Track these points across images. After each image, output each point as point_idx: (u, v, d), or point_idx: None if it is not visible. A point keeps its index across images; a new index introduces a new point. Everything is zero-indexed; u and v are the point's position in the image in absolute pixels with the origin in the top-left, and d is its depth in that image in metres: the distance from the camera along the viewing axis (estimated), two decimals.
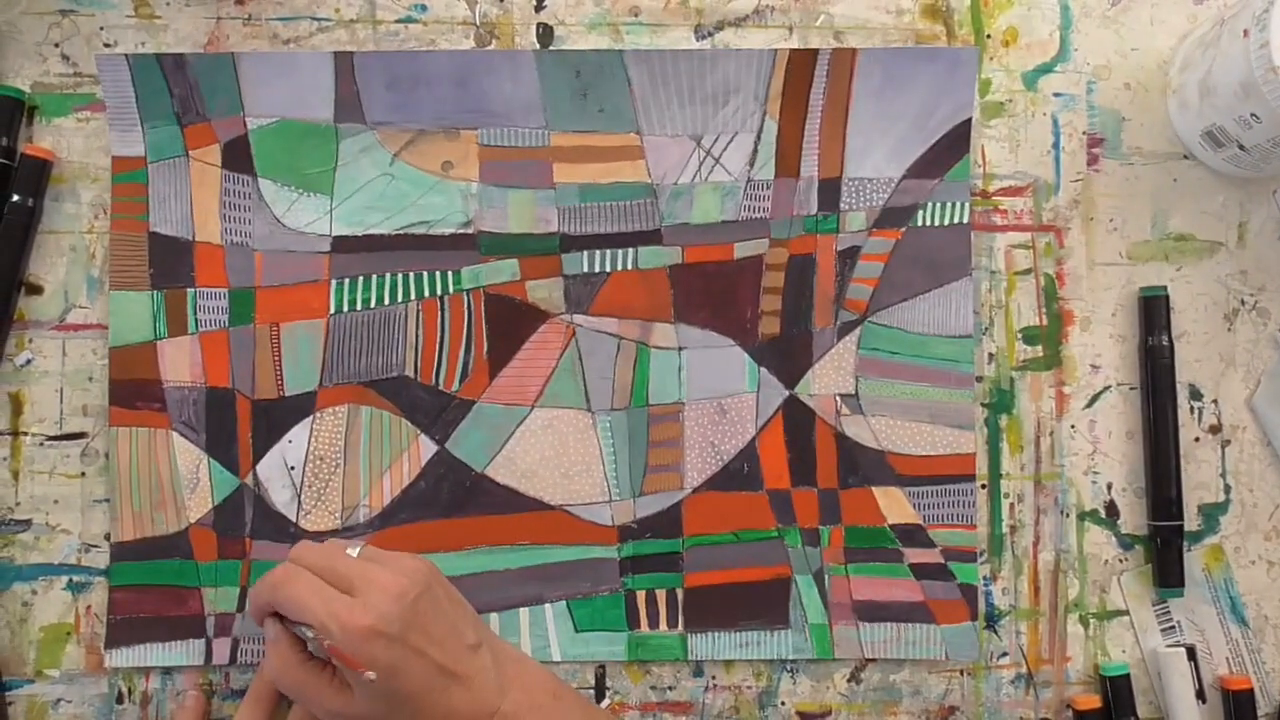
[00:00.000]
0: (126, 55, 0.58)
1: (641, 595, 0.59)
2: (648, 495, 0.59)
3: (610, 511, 0.59)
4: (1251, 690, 0.59)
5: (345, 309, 0.59)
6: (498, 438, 0.59)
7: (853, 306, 0.59)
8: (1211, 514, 0.60)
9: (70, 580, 0.58)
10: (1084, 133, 0.61)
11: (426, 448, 0.58)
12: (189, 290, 0.58)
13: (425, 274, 0.59)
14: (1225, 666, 0.60)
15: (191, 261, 0.58)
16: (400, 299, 0.59)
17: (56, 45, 0.59)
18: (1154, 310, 0.59)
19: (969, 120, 0.59)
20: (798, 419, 0.59)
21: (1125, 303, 0.60)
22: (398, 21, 0.60)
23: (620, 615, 0.58)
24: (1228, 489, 0.60)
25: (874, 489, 0.59)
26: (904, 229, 0.59)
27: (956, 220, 0.59)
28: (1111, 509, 0.60)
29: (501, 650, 0.53)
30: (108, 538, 0.58)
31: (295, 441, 0.58)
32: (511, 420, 0.59)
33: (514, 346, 0.59)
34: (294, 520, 0.58)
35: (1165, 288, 0.60)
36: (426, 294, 0.59)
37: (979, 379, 0.60)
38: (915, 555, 0.59)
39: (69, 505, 0.58)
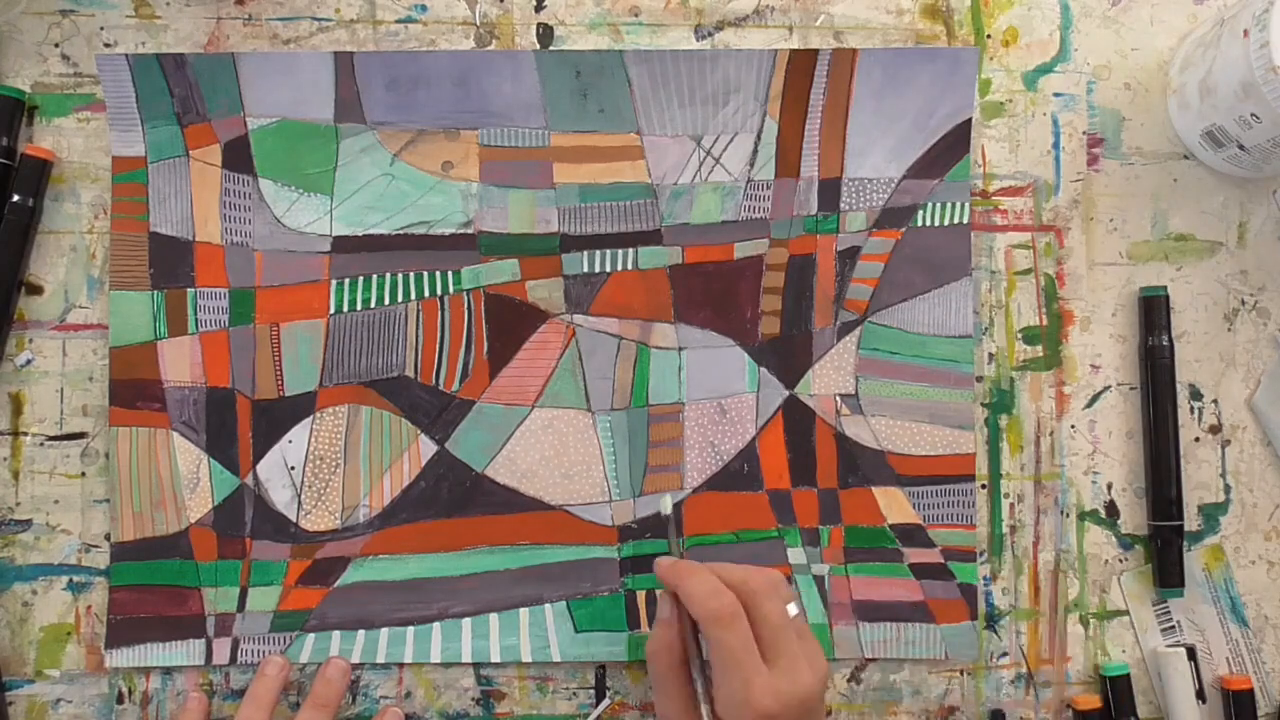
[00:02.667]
0: (127, 55, 0.58)
1: (642, 595, 0.58)
2: (648, 495, 0.59)
3: (610, 511, 0.59)
4: (1251, 690, 0.59)
5: (345, 309, 0.59)
6: (498, 438, 0.59)
7: (853, 306, 0.59)
8: (1211, 514, 0.60)
9: (70, 580, 0.58)
10: (1084, 133, 0.61)
11: (427, 448, 0.58)
12: (189, 290, 0.58)
13: (425, 274, 0.59)
14: (1225, 666, 0.60)
15: (192, 261, 0.58)
16: (400, 299, 0.59)
17: (56, 45, 0.59)
18: (1154, 310, 0.59)
19: (969, 120, 0.59)
20: (798, 419, 0.59)
21: (1125, 303, 0.60)
22: (398, 22, 0.60)
23: (621, 615, 0.58)
24: (1228, 489, 0.60)
25: (874, 489, 0.59)
26: (904, 229, 0.59)
27: (956, 220, 0.59)
28: (1111, 509, 0.60)
29: None
30: (108, 538, 0.58)
31: (295, 441, 0.58)
32: (512, 420, 0.59)
33: (514, 346, 0.59)
34: (294, 520, 0.58)
35: (1165, 288, 0.60)
36: (426, 294, 0.59)
37: (979, 379, 0.60)
38: (915, 555, 0.59)
39: (69, 505, 0.58)
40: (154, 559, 0.58)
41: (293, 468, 0.58)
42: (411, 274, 0.59)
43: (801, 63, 0.59)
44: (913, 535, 0.59)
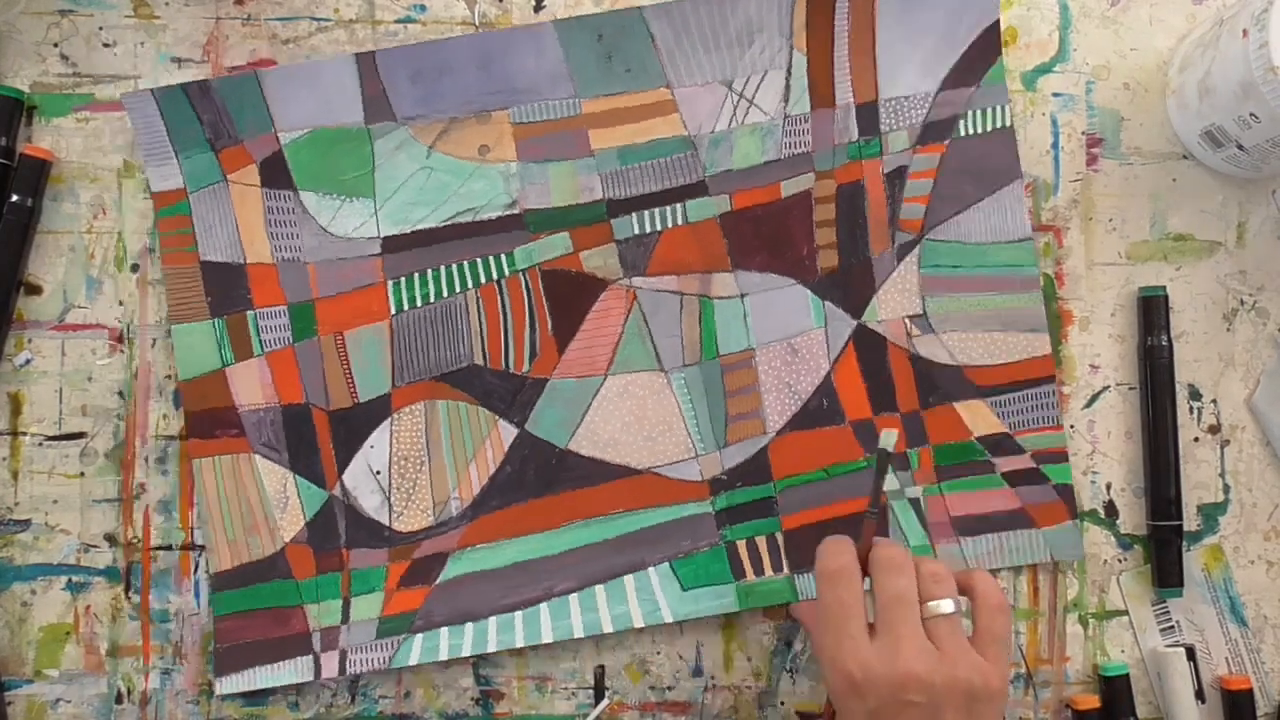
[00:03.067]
0: (152, 90, 0.58)
1: (742, 544, 0.58)
2: (733, 445, 0.58)
3: (698, 467, 0.59)
4: (1251, 690, 0.59)
5: (405, 307, 0.58)
6: (576, 411, 0.58)
7: (908, 227, 0.59)
8: (1211, 514, 0.60)
9: (70, 580, 0.58)
10: (1083, 133, 0.61)
11: (507, 432, 0.58)
12: (249, 313, 0.58)
13: (479, 260, 0.58)
14: (1225, 666, 0.60)
15: (246, 284, 0.58)
16: (458, 289, 0.58)
17: (56, 45, 0.59)
18: (1153, 310, 0.59)
19: (997, 23, 0.59)
20: (870, 347, 0.59)
21: (1124, 303, 0.60)
22: (397, 21, 0.60)
23: (724, 568, 0.58)
24: (1227, 489, 0.60)
25: (956, 405, 0.59)
26: (947, 141, 0.59)
27: (999, 125, 0.59)
28: (1111, 509, 0.60)
29: None
30: (108, 538, 0.58)
31: (377, 446, 0.58)
32: (587, 392, 0.59)
33: (577, 319, 0.59)
34: (387, 524, 0.58)
35: (1164, 288, 0.60)
36: (483, 280, 0.58)
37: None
38: (1006, 464, 0.59)
39: (68, 505, 0.58)
40: (254, 583, 0.58)
41: (378, 472, 0.58)
42: (465, 262, 0.58)
43: None
44: (1001, 444, 0.59)
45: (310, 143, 0.58)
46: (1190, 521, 0.60)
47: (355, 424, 0.58)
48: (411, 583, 0.58)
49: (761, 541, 0.58)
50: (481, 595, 0.58)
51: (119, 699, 0.58)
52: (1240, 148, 0.56)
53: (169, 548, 0.59)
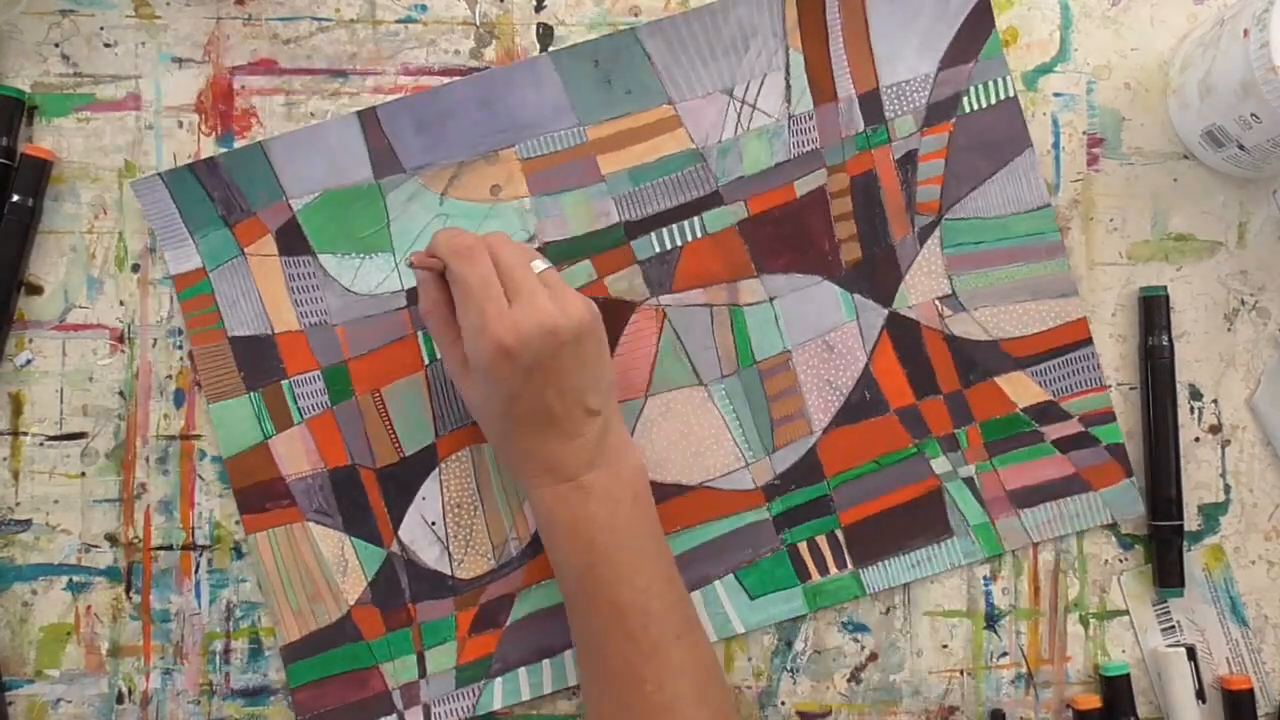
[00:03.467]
0: (160, 174, 0.58)
1: (804, 546, 0.59)
2: (781, 449, 0.59)
3: (750, 475, 0.59)
4: (1251, 690, 0.59)
5: (439, 356, 0.58)
6: None
7: (926, 209, 0.59)
8: (1211, 514, 0.60)
9: (70, 580, 0.58)
10: (1084, 133, 0.61)
11: None
12: (283, 382, 0.58)
13: None
14: (1225, 666, 0.60)
15: (277, 354, 0.58)
16: None
17: (56, 45, 0.59)
18: (1154, 310, 0.59)
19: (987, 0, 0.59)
20: (904, 333, 0.59)
21: (1125, 303, 0.60)
22: (398, 22, 0.60)
23: (789, 572, 0.58)
24: (1228, 489, 0.60)
25: (997, 379, 0.59)
26: (953, 120, 0.59)
27: (1002, 97, 0.59)
28: None
29: (615, 433, 0.53)
30: (109, 538, 0.58)
31: (429, 497, 0.58)
32: (629, 416, 0.59)
33: (611, 344, 0.58)
34: (450, 573, 0.58)
35: (1165, 288, 0.60)
36: None
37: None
38: (1055, 431, 0.59)
39: (69, 505, 0.58)
40: (325, 650, 0.58)
41: (433, 523, 0.58)
42: None
43: None
44: (1047, 413, 0.59)
45: (323, 205, 0.58)
46: (1191, 521, 0.60)
47: (404, 478, 0.58)
48: (482, 628, 0.58)
49: (822, 541, 0.58)
50: (554, 630, 0.58)
51: (120, 699, 0.58)
52: (1241, 148, 0.56)
53: (170, 548, 0.59)
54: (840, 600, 0.59)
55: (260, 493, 0.58)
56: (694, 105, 0.59)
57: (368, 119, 0.58)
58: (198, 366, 0.58)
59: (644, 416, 0.59)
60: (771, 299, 0.59)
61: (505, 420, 0.51)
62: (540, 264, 0.52)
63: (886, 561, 0.59)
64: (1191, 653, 0.59)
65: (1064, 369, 0.59)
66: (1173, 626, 0.60)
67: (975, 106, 0.59)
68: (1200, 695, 0.59)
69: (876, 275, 0.59)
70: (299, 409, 0.58)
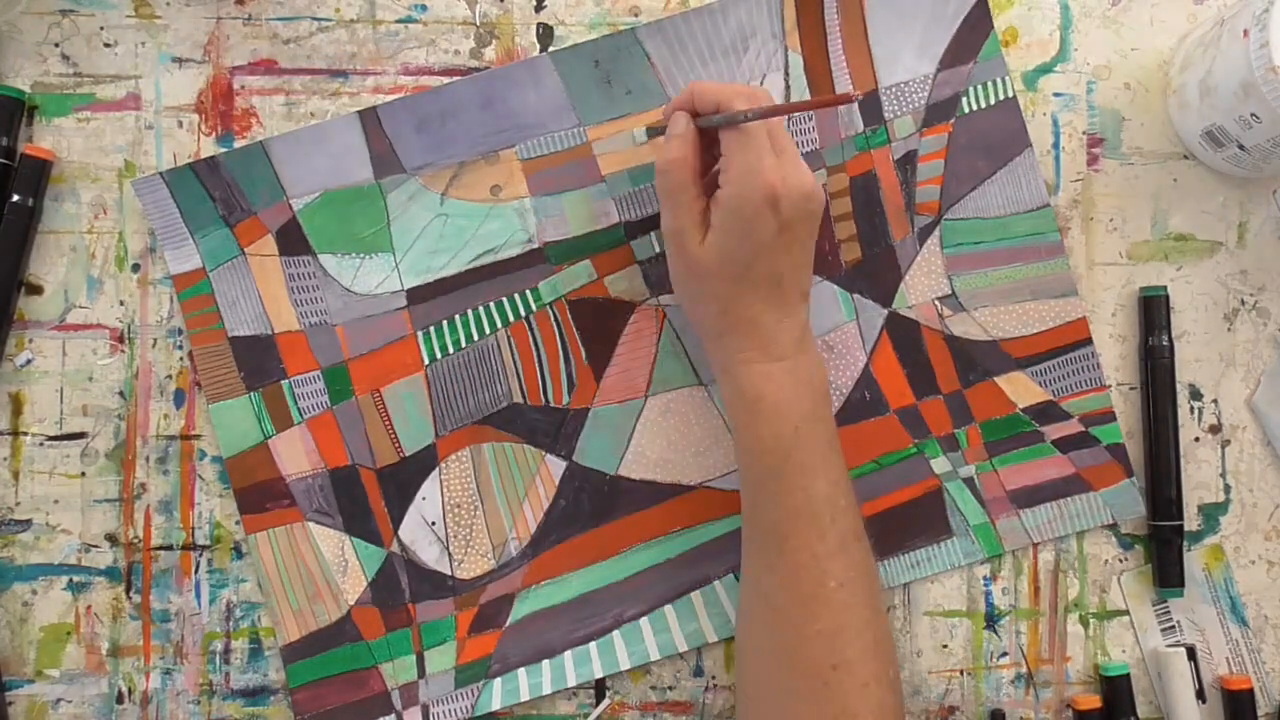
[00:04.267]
0: (160, 173, 0.58)
1: None
2: None
3: None
4: (1251, 690, 0.59)
5: (438, 356, 0.58)
6: (621, 437, 0.59)
7: (925, 210, 0.59)
8: (1211, 514, 0.60)
9: (70, 580, 0.58)
10: (1084, 133, 0.61)
11: (556, 466, 0.58)
12: (283, 382, 0.58)
13: (505, 300, 0.58)
14: (1225, 666, 0.60)
15: (278, 354, 0.58)
16: (488, 331, 0.58)
17: (56, 45, 0.59)
18: (1154, 310, 0.59)
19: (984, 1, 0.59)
20: (904, 333, 0.59)
21: (1125, 302, 0.60)
22: (398, 21, 0.60)
23: None
24: (1228, 489, 0.60)
25: (996, 379, 0.59)
26: (953, 120, 0.59)
27: (1001, 97, 0.59)
28: None
29: (809, 328, 0.53)
30: (109, 538, 0.58)
31: (429, 497, 0.58)
32: (629, 416, 0.59)
33: (610, 345, 0.59)
34: (450, 573, 0.58)
35: (1165, 287, 0.60)
36: (511, 319, 0.58)
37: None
38: (1055, 431, 0.59)
39: (69, 505, 0.58)
40: (325, 651, 0.58)
41: (433, 523, 0.58)
42: (491, 303, 0.58)
43: None
44: (1047, 413, 0.59)
45: (323, 206, 0.58)
46: (1191, 521, 0.60)
47: (404, 478, 0.58)
48: (482, 628, 0.58)
49: None
50: (553, 631, 0.58)
51: (120, 699, 0.58)
52: (1241, 148, 0.56)
53: (170, 548, 0.59)
54: None
55: (260, 493, 0.58)
56: None
57: (368, 119, 0.58)
58: (198, 366, 0.58)
59: (644, 417, 0.59)
60: None
61: (738, 284, 0.51)
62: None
63: (886, 562, 0.59)
64: (1191, 653, 0.59)
65: (1064, 369, 0.59)
66: (1173, 626, 0.60)
67: (975, 107, 0.59)
68: (1200, 695, 0.59)
69: (876, 275, 0.59)
70: (299, 409, 0.58)
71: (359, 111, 0.58)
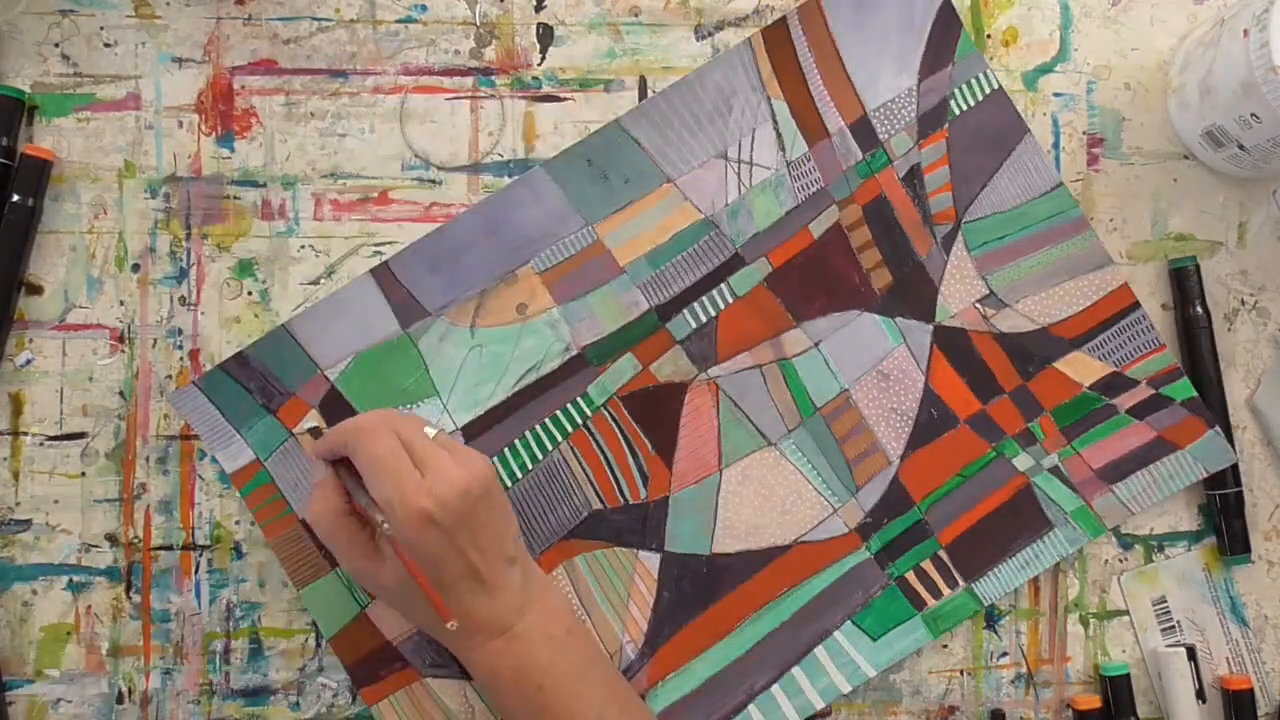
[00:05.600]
0: (194, 381, 0.58)
1: (911, 575, 0.59)
2: (864, 486, 0.59)
3: (841, 520, 0.59)
4: (1251, 690, 0.59)
5: (509, 483, 0.58)
6: (706, 516, 0.59)
7: (943, 219, 0.59)
8: (1212, 514, 0.60)
9: (70, 580, 0.58)
10: (1084, 133, 0.61)
11: (651, 561, 0.58)
12: None
13: (559, 412, 0.58)
14: (1225, 666, 0.60)
15: None
16: (550, 447, 0.58)
17: (56, 45, 0.59)
18: (1186, 281, 0.59)
19: (947, 2, 0.59)
20: (953, 344, 0.59)
21: None
22: (398, 21, 0.60)
23: (904, 605, 0.59)
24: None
25: (1056, 365, 0.59)
26: (946, 126, 0.59)
27: (987, 91, 0.59)
28: None
29: (533, 574, 0.54)
30: (109, 538, 0.58)
31: None
32: (709, 493, 0.59)
33: (673, 429, 0.59)
34: None
35: (1194, 257, 0.60)
36: (570, 429, 0.58)
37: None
38: (1126, 400, 0.59)
39: (69, 505, 0.58)
40: None
41: None
42: (546, 419, 0.58)
43: (776, 36, 0.59)
44: (1114, 385, 0.59)
45: (359, 368, 0.58)
46: (1191, 521, 0.60)
47: None
48: None
49: (928, 565, 0.59)
50: (694, 718, 0.58)
51: (120, 699, 0.58)
52: (1241, 148, 0.56)
53: (170, 548, 0.59)
54: (961, 619, 0.59)
55: (372, 663, 0.58)
56: (693, 177, 0.59)
57: (381, 274, 0.58)
58: (278, 556, 0.58)
59: (724, 490, 0.59)
60: (816, 344, 0.59)
61: (434, 592, 0.51)
62: (430, 429, 0.52)
63: (996, 570, 0.59)
64: (1191, 653, 0.59)
65: (1119, 338, 0.59)
66: (1173, 626, 0.60)
67: (964, 107, 0.59)
68: (1200, 695, 0.59)
69: (911, 294, 0.59)
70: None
71: (370, 270, 0.58)
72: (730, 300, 0.59)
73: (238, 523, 0.59)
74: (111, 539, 0.58)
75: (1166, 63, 0.61)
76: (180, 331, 0.59)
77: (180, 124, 0.59)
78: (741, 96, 0.59)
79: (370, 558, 0.52)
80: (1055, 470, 0.59)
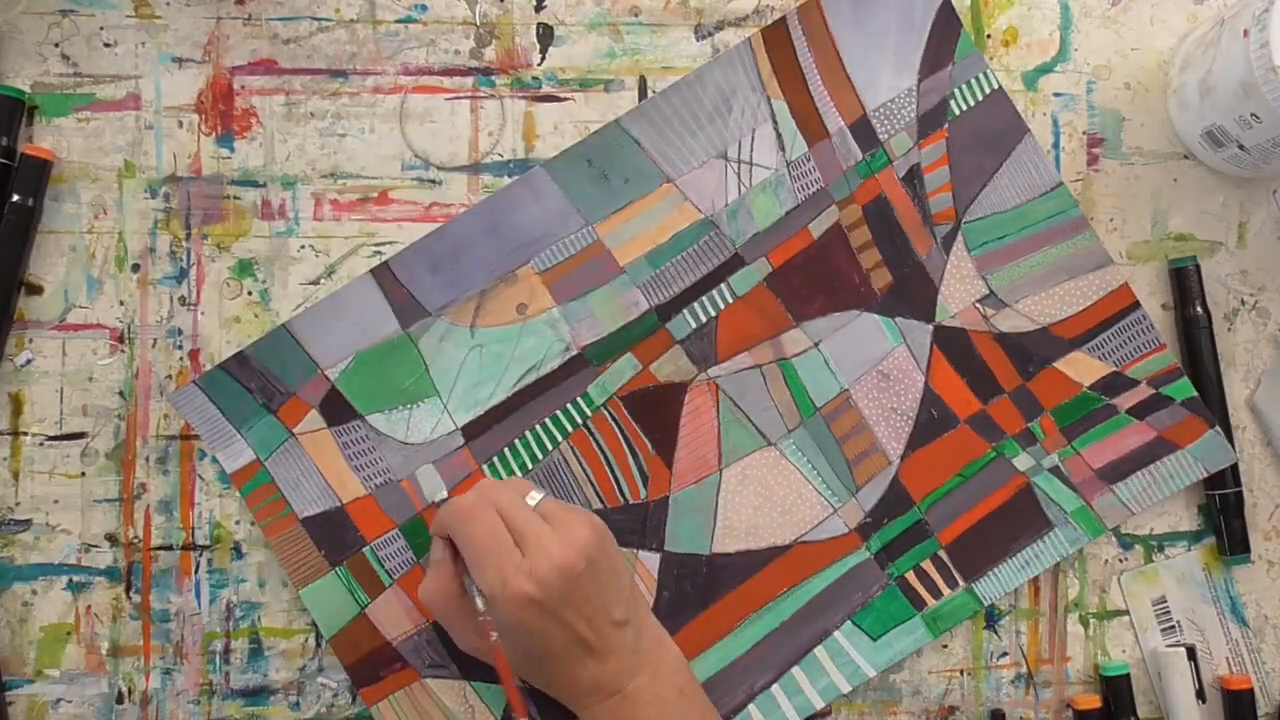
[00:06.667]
0: (194, 381, 0.58)
1: (911, 575, 0.59)
2: (865, 486, 0.59)
3: (841, 520, 0.59)
4: (1251, 690, 0.59)
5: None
6: (706, 516, 0.59)
7: (943, 219, 0.59)
8: (1212, 514, 0.60)
9: (70, 580, 0.58)
10: (1084, 133, 0.61)
11: (650, 560, 0.58)
12: (364, 550, 0.58)
13: (559, 412, 0.58)
14: (1225, 666, 0.60)
15: (352, 524, 0.58)
16: (550, 447, 0.58)
17: (56, 45, 0.59)
18: (1186, 281, 0.59)
19: (947, 2, 0.59)
20: (953, 343, 0.59)
21: None
22: (398, 21, 0.60)
23: (904, 605, 0.59)
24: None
25: (1056, 365, 0.59)
26: (946, 126, 0.59)
27: (987, 91, 0.59)
28: None
29: (648, 632, 0.54)
30: (108, 538, 0.58)
31: None
32: (709, 493, 0.59)
33: (673, 429, 0.59)
34: None
35: (1194, 257, 0.60)
36: (570, 429, 0.58)
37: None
38: (1126, 400, 0.59)
39: (69, 505, 0.58)
40: None
41: None
42: (546, 419, 0.58)
43: (776, 36, 0.59)
44: (1114, 385, 0.59)
45: (359, 368, 0.58)
46: (1191, 521, 0.60)
47: None
48: None
49: (928, 565, 0.59)
50: None
51: (120, 699, 0.58)
52: (1241, 148, 0.56)
53: (170, 548, 0.59)
54: (960, 619, 0.59)
55: (371, 663, 0.58)
56: (693, 177, 0.59)
57: (381, 274, 0.58)
58: (278, 556, 0.58)
59: (723, 490, 0.59)
60: (816, 344, 0.59)
61: (543, 663, 0.52)
62: (535, 495, 0.52)
63: (996, 570, 0.59)
64: (1191, 653, 0.59)
65: (1119, 338, 0.59)
66: (1173, 626, 0.60)
67: (964, 107, 0.59)
68: (1200, 695, 0.59)
69: (912, 294, 0.59)
70: (386, 571, 0.58)
71: (370, 270, 0.58)
72: (730, 300, 0.59)
73: (238, 523, 0.59)
74: (111, 539, 0.58)
75: (1166, 63, 0.61)
76: (180, 331, 0.59)
77: (180, 124, 0.59)
78: (741, 96, 0.59)
79: (482, 634, 0.52)
80: (1055, 470, 0.59)
